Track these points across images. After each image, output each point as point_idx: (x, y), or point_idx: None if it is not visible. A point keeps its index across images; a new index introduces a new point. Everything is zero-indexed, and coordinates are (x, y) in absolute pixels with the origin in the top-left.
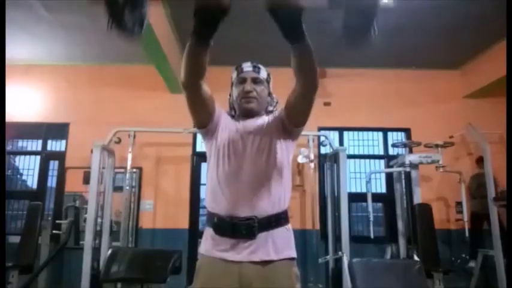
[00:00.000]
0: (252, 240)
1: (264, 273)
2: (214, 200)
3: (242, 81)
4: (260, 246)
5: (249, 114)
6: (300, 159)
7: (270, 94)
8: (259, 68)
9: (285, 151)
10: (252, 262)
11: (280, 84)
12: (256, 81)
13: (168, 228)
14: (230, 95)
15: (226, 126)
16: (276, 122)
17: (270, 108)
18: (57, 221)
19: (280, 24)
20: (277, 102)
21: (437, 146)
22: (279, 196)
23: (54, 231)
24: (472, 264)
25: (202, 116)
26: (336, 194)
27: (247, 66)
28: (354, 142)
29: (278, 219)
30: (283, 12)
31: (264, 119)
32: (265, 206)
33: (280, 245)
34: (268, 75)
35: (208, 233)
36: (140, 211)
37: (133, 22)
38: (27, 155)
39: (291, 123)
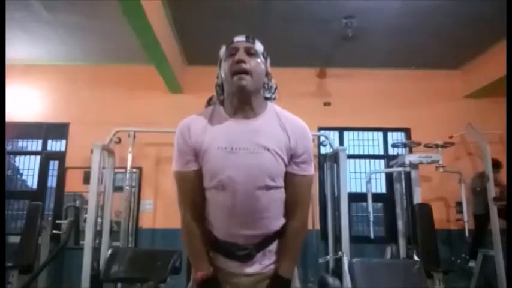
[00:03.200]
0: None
1: (257, 281)
2: (210, 223)
3: (233, 52)
4: (256, 261)
5: (242, 94)
6: None
7: (267, 74)
8: (253, 39)
9: (283, 168)
10: (247, 275)
11: (279, 84)
12: (250, 51)
13: (168, 228)
14: (218, 76)
15: (210, 145)
16: (281, 149)
17: (268, 95)
18: (57, 221)
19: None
20: (276, 88)
21: (437, 146)
22: (278, 218)
23: (54, 231)
24: (472, 264)
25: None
26: (336, 194)
27: (239, 37)
28: (354, 142)
29: (275, 236)
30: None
31: (265, 125)
32: (263, 233)
33: (276, 256)
34: (265, 51)
35: None
36: (140, 211)
37: None
38: (27, 155)
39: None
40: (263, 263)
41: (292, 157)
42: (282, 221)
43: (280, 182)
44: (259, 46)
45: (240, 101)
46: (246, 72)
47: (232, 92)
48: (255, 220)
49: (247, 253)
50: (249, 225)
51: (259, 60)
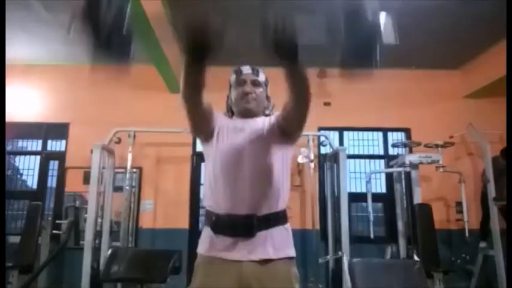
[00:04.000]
0: (250, 239)
1: (262, 272)
2: (212, 198)
3: (241, 83)
4: (259, 245)
5: (247, 114)
6: (300, 159)
7: (267, 97)
8: (258, 71)
9: (284, 151)
10: (250, 261)
11: (278, 84)
12: (255, 83)
13: (168, 228)
14: (228, 97)
15: (224, 126)
16: (274, 124)
17: (267, 112)
18: (57, 221)
19: (278, 49)
20: (273, 106)
21: (437, 146)
22: (277, 195)
23: (54, 231)
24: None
25: (201, 126)
26: (336, 194)
27: (246, 69)
28: (354, 142)
29: (277, 218)
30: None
31: (262, 120)
32: (264, 204)
33: (279, 243)
34: (266, 78)
35: (206, 232)
36: (140, 211)
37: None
38: (27, 155)
39: (287, 132)
40: (267, 250)
41: (275, 124)
42: (283, 203)
43: (278, 162)
44: (262, 77)
45: (246, 117)
46: (252, 99)
47: (240, 114)
48: (256, 187)
49: (250, 222)
50: (251, 192)
51: (261, 89)
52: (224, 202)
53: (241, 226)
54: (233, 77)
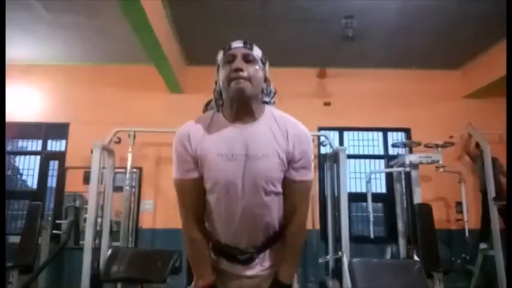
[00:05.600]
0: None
1: (259, 282)
2: (210, 226)
3: (231, 59)
4: (257, 263)
5: (240, 100)
6: None
7: (266, 79)
8: (251, 45)
9: (282, 174)
10: (249, 277)
11: (279, 84)
12: (248, 58)
13: (168, 228)
14: (215, 83)
15: (209, 148)
16: (280, 154)
17: (266, 99)
18: (57, 221)
19: None
20: (275, 93)
21: (437, 146)
22: (278, 221)
23: (54, 231)
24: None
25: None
26: (336, 194)
27: (236, 43)
28: (354, 142)
29: (276, 239)
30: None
31: (264, 130)
32: (264, 236)
33: (276, 258)
34: (264, 57)
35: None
36: (140, 211)
37: None
38: (27, 155)
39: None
40: (264, 265)
41: (290, 162)
42: (282, 224)
43: (280, 187)
44: (257, 52)
45: (239, 106)
46: (244, 79)
47: (231, 98)
48: (256, 225)
49: (249, 257)
50: (250, 230)
51: (257, 67)
52: (222, 236)
53: (241, 259)
54: (220, 55)
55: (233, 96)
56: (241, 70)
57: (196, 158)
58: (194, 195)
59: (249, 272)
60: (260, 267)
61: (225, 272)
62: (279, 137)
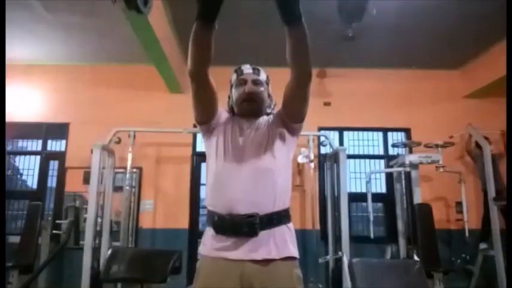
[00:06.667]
0: (253, 238)
1: (265, 273)
2: (214, 197)
3: (243, 82)
4: (262, 244)
5: (249, 114)
6: (300, 159)
7: (269, 96)
8: (258, 70)
9: (285, 148)
10: (253, 261)
11: (279, 84)
12: (256, 82)
13: (168, 228)
14: (229, 97)
15: (227, 123)
16: (275, 119)
17: (268, 111)
18: (57, 221)
19: (279, 2)
20: (275, 105)
21: (437, 146)
22: (280, 193)
23: (54, 231)
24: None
25: (206, 110)
26: (336, 194)
27: (247, 69)
28: (354, 142)
29: (280, 217)
30: None
31: (263, 118)
32: (267, 203)
33: (282, 243)
34: (267, 77)
35: (208, 232)
36: (140, 211)
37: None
38: (27, 155)
39: (290, 118)
40: (270, 249)
41: (282, 119)
42: (286, 202)
43: (281, 159)
44: (263, 76)
45: (248, 117)
46: (253, 101)
47: (243, 114)
48: (257, 185)
49: (252, 221)
50: (253, 191)
51: (262, 89)
52: (225, 201)
53: (243, 226)
54: (234, 77)
55: (244, 113)
56: (252, 93)
57: (218, 117)
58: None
59: (253, 255)
60: (265, 250)
61: (226, 260)
62: (269, 118)
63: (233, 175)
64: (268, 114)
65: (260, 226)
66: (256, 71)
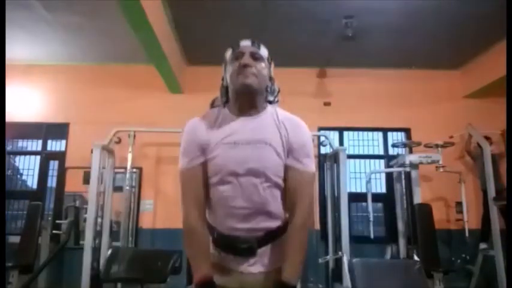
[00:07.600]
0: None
1: (261, 282)
2: (213, 217)
3: (239, 55)
4: (258, 260)
5: (246, 93)
6: None
7: (271, 78)
8: (259, 44)
9: (283, 164)
10: (250, 273)
11: (279, 84)
12: (255, 56)
13: (168, 228)
14: (222, 79)
15: (215, 138)
16: (280, 144)
17: (271, 98)
18: (57, 221)
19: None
20: (278, 91)
21: (437, 146)
22: (279, 212)
23: (54, 231)
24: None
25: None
26: (336, 194)
27: (245, 42)
28: (354, 142)
29: (277, 233)
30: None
31: (266, 115)
32: (266, 226)
33: (278, 255)
34: (270, 57)
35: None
36: (140, 211)
37: None
38: (27, 155)
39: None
40: (266, 262)
41: (290, 151)
42: (282, 218)
43: (281, 179)
44: (264, 51)
45: (245, 99)
46: (251, 74)
47: (237, 92)
48: (256, 213)
49: (249, 246)
50: (250, 218)
51: (263, 65)
52: (224, 225)
53: (243, 249)
54: (229, 52)
55: (240, 89)
56: (249, 66)
57: (203, 147)
58: (198, 185)
59: (251, 269)
60: (262, 264)
61: (225, 268)
62: (279, 128)
63: (230, 203)
64: (270, 102)
65: (258, 246)
66: (256, 45)
